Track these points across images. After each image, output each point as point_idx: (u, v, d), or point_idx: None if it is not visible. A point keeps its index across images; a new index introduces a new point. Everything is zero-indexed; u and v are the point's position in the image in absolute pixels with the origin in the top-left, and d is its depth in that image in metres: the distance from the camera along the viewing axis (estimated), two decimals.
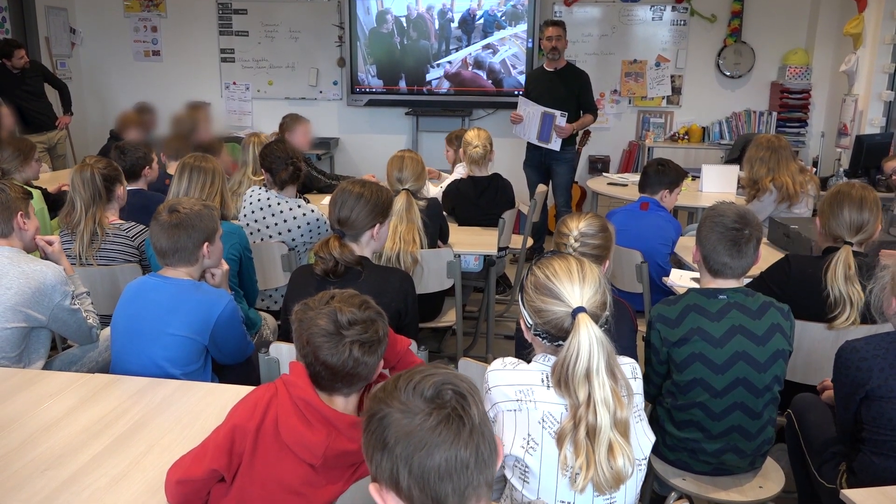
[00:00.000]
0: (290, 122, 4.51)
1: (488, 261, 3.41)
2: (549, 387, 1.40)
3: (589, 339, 1.34)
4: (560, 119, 4.91)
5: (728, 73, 6.47)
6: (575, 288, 1.40)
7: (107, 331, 2.45)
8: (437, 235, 3.18)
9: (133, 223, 2.85)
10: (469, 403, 0.95)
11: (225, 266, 2.34)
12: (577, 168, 5.41)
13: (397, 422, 0.92)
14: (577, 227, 2.10)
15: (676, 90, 6.60)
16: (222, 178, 2.84)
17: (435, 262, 3.02)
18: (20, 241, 2.28)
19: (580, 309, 1.37)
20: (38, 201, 3.42)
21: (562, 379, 1.35)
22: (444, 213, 3.39)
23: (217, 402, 1.82)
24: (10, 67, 5.61)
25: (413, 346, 2.00)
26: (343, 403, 1.43)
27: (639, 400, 1.48)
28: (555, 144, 5.01)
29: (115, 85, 7.05)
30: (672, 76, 6.56)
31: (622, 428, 1.34)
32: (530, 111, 5.02)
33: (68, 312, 2.24)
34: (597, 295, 1.41)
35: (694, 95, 6.58)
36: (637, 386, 1.48)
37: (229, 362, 2.21)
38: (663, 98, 6.63)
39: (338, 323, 1.38)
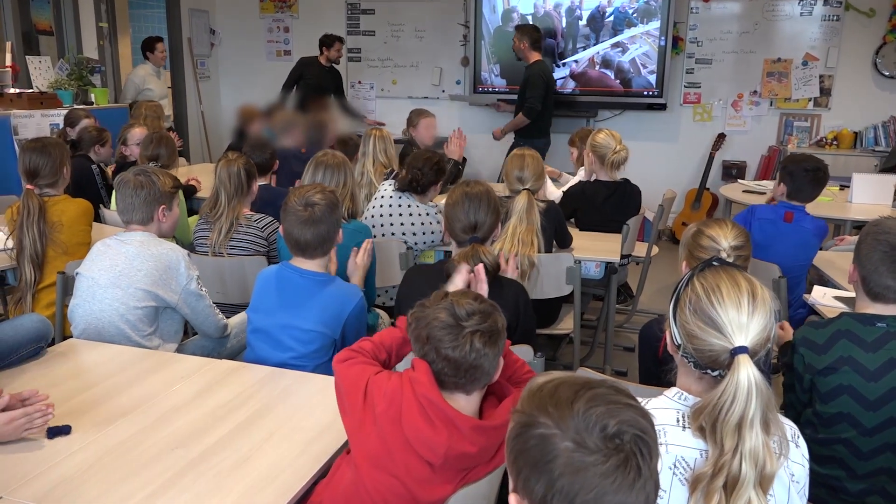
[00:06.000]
0: (414, 116, 4.61)
1: (610, 268, 3.27)
2: (684, 428, 1.23)
3: (748, 385, 1.14)
4: None
5: (887, 73, 5.88)
6: (742, 321, 1.18)
7: (234, 320, 2.56)
8: (552, 239, 3.08)
9: (262, 215, 2.97)
10: (650, 455, 0.86)
11: (367, 259, 2.43)
12: None
13: (567, 453, 0.84)
14: (727, 239, 1.92)
15: (825, 91, 6.08)
16: (353, 176, 2.91)
17: (554, 266, 2.93)
18: (157, 231, 2.36)
19: (742, 349, 1.17)
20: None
21: (707, 424, 1.17)
22: (564, 216, 3.29)
23: (332, 394, 1.83)
24: (324, 61, 6.10)
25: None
26: (464, 402, 1.41)
27: (801, 474, 1.27)
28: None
29: (248, 84, 7.42)
30: (821, 76, 6.05)
31: (766, 484, 1.16)
32: None
33: (196, 296, 2.31)
34: (765, 331, 1.19)
35: (846, 97, 6.04)
36: (799, 455, 1.28)
37: None
38: (810, 100, 6.13)
39: (456, 315, 1.38)
